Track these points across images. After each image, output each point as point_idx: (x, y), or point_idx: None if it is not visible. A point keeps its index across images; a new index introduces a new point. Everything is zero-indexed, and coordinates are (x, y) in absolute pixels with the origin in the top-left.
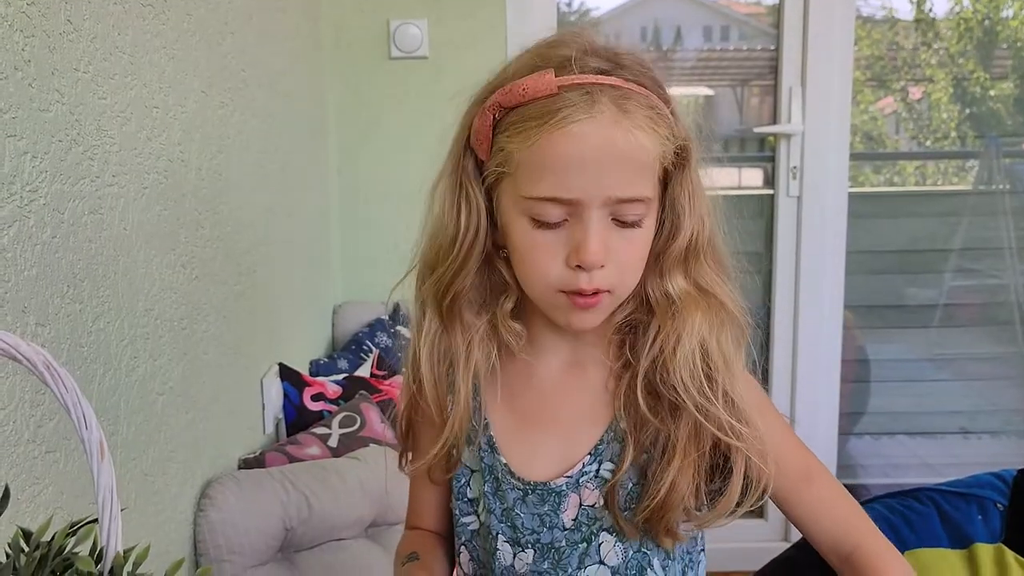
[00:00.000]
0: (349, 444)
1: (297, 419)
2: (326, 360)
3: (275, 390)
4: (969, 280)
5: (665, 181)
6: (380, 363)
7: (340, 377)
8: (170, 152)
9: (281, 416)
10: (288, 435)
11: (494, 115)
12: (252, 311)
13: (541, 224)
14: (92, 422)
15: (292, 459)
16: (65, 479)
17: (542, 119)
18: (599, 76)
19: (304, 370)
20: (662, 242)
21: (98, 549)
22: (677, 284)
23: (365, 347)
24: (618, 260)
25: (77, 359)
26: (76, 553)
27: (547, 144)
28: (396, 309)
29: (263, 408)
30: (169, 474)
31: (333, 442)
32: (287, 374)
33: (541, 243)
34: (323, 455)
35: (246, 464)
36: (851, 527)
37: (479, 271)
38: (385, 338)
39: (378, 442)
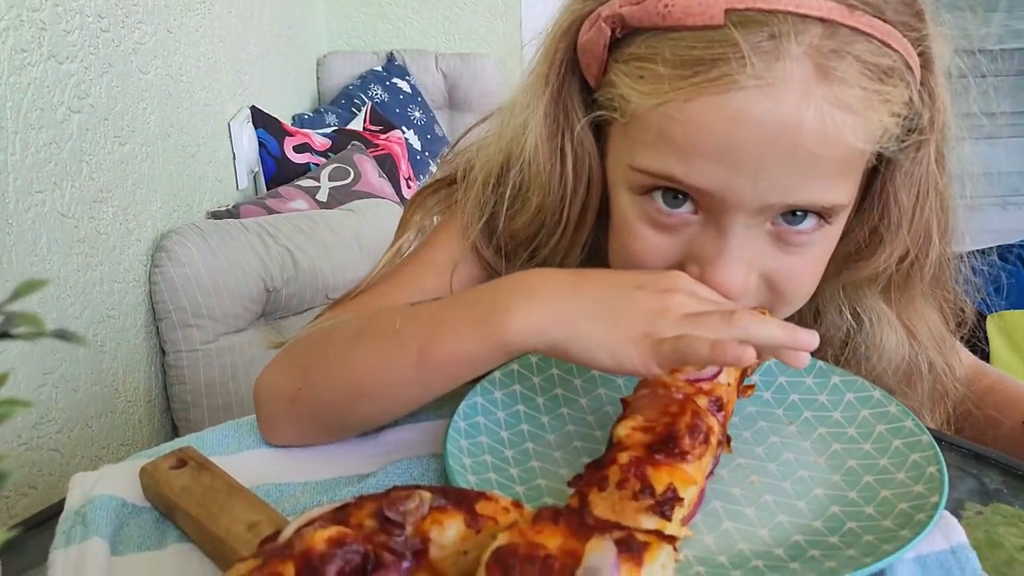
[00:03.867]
0: (341, 199)
1: (277, 172)
2: (311, 115)
3: (247, 137)
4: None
5: (876, 165)
6: (374, 117)
7: (329, 130)
8: None
9: (258, 169)
10: (268, 190)
11: (613, 30)
12: (210, 35)
13: (652, 221)
14: None
15: (272, 213)
16: None
17: (687, 69)
18: None
19: None
20: (851, 251)
21: None
22: (870, 306)
23: (357, 100)
24: (774, 283)
25: None
26: None
27: (686, 110)
28: (391, 58)
29: (234, 157)
30: (101, 219)
31: (322, 196)
32: (262, 120)
33: (651, 245)
34: (310, 209)
35: (215, 217)
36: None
37: None
38: (380, 91)
39: (376, 197)
